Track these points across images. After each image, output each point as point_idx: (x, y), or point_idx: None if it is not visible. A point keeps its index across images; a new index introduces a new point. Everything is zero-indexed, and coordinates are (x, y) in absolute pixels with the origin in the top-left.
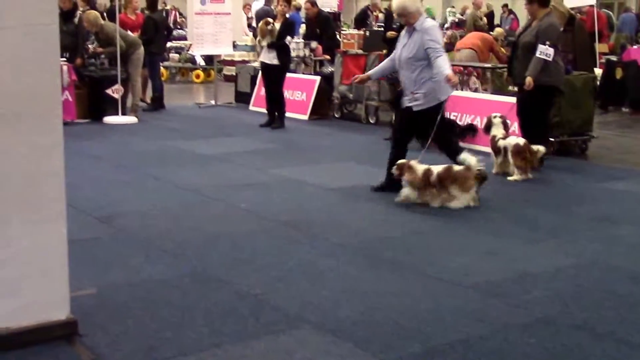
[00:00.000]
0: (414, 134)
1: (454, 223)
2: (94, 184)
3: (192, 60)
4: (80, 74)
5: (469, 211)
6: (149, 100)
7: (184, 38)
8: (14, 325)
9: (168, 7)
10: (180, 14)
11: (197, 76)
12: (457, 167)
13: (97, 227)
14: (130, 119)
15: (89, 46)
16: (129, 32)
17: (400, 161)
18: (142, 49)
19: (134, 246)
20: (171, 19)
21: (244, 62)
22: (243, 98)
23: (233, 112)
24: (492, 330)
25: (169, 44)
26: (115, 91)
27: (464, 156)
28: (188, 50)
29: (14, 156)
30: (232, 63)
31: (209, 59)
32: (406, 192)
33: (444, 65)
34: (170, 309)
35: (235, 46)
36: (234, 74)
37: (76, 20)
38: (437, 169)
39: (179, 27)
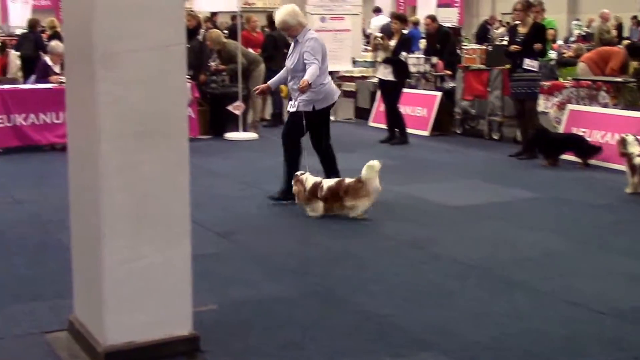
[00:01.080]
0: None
1: (589, 244)
2: (216, 199)
3: None
4: (202, 91)
5: (603, 232)
6: (268, 117)
7: None
8: (138, 340)
9: None
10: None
11: None
12: (348, 180)
13: (218, 242)
14: (251, 135)
15: (212, 64)
16: (250, 50)
17: (297, 173)
18: (262, 65)
19: (255, 263)
20: None
21: (363, 78)
22: (362, 114)
23: (352, 128)
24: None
25: None
26: (236, 108)
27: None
28: None
29: (143, 173)
30: (351, 79)
31: None
32: (309, 207)
33: (309, 72)
34: (292, 328)
35: (354, 62)
36: (354, 90)
37: (200, 38)
38: (328, 182)
39: None
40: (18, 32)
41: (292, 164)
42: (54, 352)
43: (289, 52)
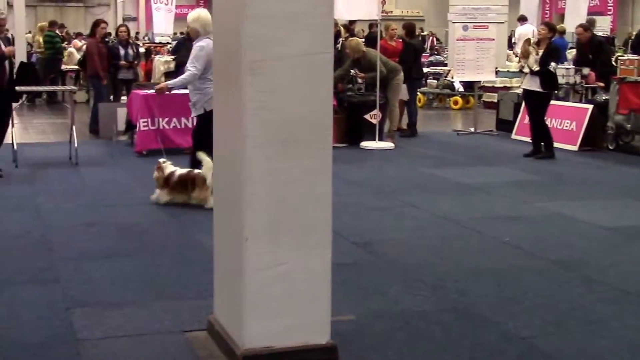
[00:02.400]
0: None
1: None
2: (352, 208)
3: (451, 86)
4: (339, 99)
5: None
6: (404, 126)
7: (442, 64)
8: (276, 345)
9: (425, 33)
10: (438, 39)
11: (455, 102)
12: (196, 171)
13: (355, 252)
14: (387, 145)
15: (351, 72)
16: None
17: (160, 160)
18: (402, 74)
19: (392, 274)
20: (428, 44)
21: (505, 88)
22: (505, 126)
23: (494, 140)
24: None
25: (426, 70)
26: (373, 117)
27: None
28: (446, 77)
29: (287, 180)
30: (493, 90)
31: (468, 85)
32: (156, 192)
33: (178, 78)
34: (431, 344)
35: (497, 72)
36: (495, 100)
37: (338, 46)
38: (180, 171)
39: (435, 52)
40: (157, 39)
41: (195, 163)
42: (193, 350)
43: None
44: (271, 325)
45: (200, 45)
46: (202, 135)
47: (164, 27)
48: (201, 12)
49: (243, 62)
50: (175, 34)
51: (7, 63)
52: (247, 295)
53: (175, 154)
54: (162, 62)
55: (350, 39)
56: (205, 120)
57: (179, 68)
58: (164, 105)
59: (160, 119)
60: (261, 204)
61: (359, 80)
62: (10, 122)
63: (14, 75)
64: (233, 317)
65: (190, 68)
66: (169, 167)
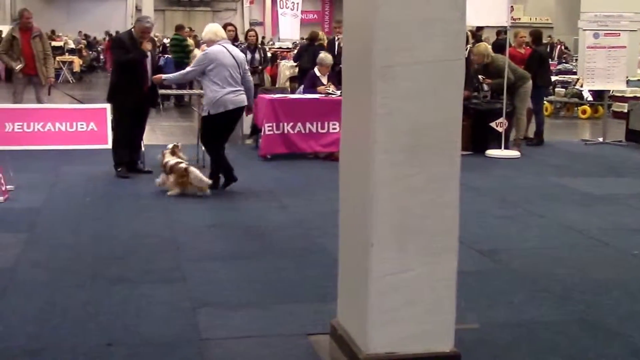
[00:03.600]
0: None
1: None
2: (477, 216)
3: (579, 95)
4: (465, 106)
5: None
6: (530, 135)
7: (570, 72)
8: (399, 351)
9: (554, 41)
10: (566, 47)
11: (584, 112)
12: (183, 164)
13: (480, 260)
14: (513, 153)
15: (480, 77)
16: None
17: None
18: (530, 82)
19: (517, 284)
20: (556, 52)
21: (636, 98)
22: (635, 137)
23: (623, 151)
24: None
25: (554, 78)
26: (499, 124)
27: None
28: (575, 85)
29: (415, 186)
30: (623, 99)
31: (596, 94)
32: (161, 176)
33: (174, 73)
34: (556, 357)
35: (627, 82)
36: (625, 110)
37: (465, 53)
38: (172, 161)
39: (564, 60)
40: (277, 44)
41: (216, 158)
42: (316, 354)
43: None
44: (394, 331)
45: (205, 52)
46: (204, 138)
47: (289, 32)
48: (211, 25)
49: (374, 68)
50: (302, 39)
51: (149, 67)
52: (371, 300)
53: (299, 159)
54: (287, 67)
55: (478, 44)
56: (207, 122)
57: (304, 73)
58: (289, 110)
59: (285, 124)
60: (387, 209)
61: (485, 87)
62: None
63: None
64: (357, 322)
65: (188, 68)
66: (167, 154)
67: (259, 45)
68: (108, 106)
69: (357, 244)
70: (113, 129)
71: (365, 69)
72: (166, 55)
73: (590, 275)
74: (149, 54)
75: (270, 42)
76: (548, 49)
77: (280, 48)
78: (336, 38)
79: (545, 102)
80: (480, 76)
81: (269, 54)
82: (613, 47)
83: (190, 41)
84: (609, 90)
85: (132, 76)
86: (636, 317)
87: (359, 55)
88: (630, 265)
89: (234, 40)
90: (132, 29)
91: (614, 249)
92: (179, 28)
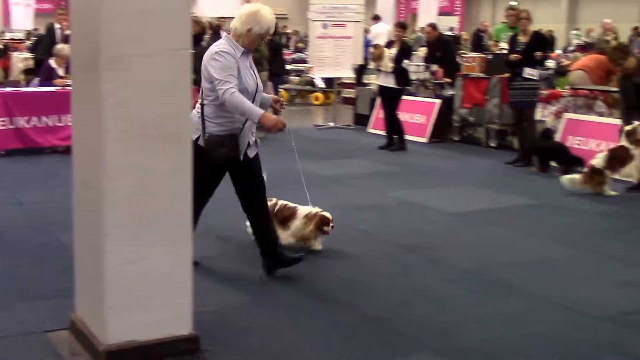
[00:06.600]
0: None
1: (584, 250)
2: (216, 203)
3: (312, 82)
4: None
5: (597, 238)
6: None
7: (304, 61)
8: (139, 339)
9: (289, 31)
10: (302, 38)
11: (317, 98)
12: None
13: (220, 245)
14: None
15: None
16: None
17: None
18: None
19: (255, 265)
20: (292, 42)
21: (363, 85)
22: (362, 120)
23: (352, 134)
24: None
25: (289, 67)
26: None
27: None
28: (308, 73)
29: (147, 175)
30: (351, 86)
31: (328, 81)
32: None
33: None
34: (294, 330)
35: (355, 69)
36: (353, 96)
37: (204, 44)
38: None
39: (298, 50)
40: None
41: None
42: (55, 350)
43: (243, 68)
44: (133, 320)
45: None
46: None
47: (22, 22)
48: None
49: (103, 57)
50: (35, 29)
51: None
52: (108, 290)
53: (36, 154)
54: (20, 58)
55: None
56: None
57: (39, 65)
58: (23, 104)
59: (20, 118)
60: (121, 199)
61: None
62: None
63: None
64: (95, 314)
65: None
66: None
67: None
68: None
69: (92, 235)
70: None
71: (94, 59)
72: None
73: (323, 252)
74: None
75: (1, 33)
76: (285, 40)
77: (12, 39)
78: (57, 27)
79: (281, 90)
80: None
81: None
82: (340, 37)
83: None
84: (339, 78)
85: None
86: (361, 287)
87: (88, 45)
88: (357, 240)
89: None
90: None
91: (343, 225)
92: None
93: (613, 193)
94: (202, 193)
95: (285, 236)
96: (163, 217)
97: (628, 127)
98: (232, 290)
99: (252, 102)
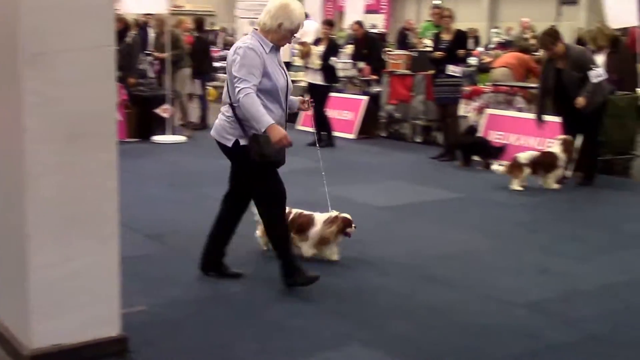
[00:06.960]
0: None
1: (506, 241)
2: (145, 202)
3: None
4: (130, 93)
5: (519, 229)
6: (194, 120)
7: None
8: (66, 342)
9: (217, 28)
10: (230, 35)
11: None
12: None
13: (148, 245)
14: (179, 138)
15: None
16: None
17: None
18: (187, 68)
19: (185, 264)
20: (220, 40)
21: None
22: (291, 117)
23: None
24: (542, 347)
25: (217, 64)
26: (164, 111)
27: None
28: None
29: (71, 174)
30: None
31: None
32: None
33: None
34: (221, 326)
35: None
36: None
37: (128, 40)
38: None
39: (227, 47)
40: None
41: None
42: None
43: (272, 65)
44: (59, 323)
45: None
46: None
47: None
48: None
49: (22, 55)
50: None
51: None
52: (32, 293)
53: None
54: None
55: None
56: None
57: None
58: None
59: None
60: (45, 199)
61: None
62: None
63: None
64: (18, 317)
65: None
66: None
67: None
68: None
69: (15, 237)
70: None
71: (12, 56)
72: None
73: (258, 249)
74: None
75: None
76: (213, 37)
77: None
78: None
79: (209, 87)
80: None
81: None
82: None
83: None
84: None
85: None
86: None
87: (5, 41)
88: None
89: None
90: None
91: None
92: None
93: (519, 188)
94: (282, 191)
95: (305, 248)
96: (89, 217)
97: (566, 138)
98: (163, 289)
99: (284, 100)
